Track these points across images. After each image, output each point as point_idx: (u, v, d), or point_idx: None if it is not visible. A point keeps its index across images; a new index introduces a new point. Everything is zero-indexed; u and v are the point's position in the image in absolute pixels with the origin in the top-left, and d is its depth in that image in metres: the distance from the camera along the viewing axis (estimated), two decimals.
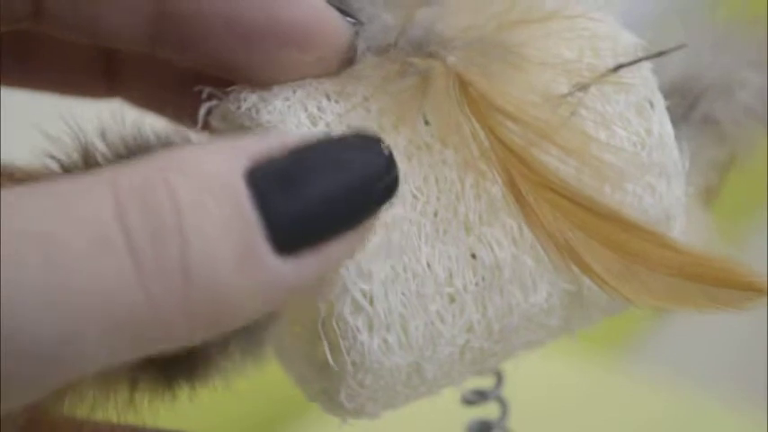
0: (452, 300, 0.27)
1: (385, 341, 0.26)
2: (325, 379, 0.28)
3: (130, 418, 0.26)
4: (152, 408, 0.26)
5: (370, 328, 0.26)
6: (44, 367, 0.21)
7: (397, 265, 0.26)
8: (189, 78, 0.28)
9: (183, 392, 0.26)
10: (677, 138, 0.30)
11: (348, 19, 0.27)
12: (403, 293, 0.26)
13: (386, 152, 0.24)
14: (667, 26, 0.33)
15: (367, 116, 0.27)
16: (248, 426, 0.62)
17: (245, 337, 0.26)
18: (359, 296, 0.26)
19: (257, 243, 0.23)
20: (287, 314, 0.28)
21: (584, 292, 0.28)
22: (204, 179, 0.23)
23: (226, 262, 0.22)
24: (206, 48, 0.27)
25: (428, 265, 0.26)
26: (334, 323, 0.26)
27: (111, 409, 0.26)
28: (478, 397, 0.33)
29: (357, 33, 0.27)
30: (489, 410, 0.34)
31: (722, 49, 0.33)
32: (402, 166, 0.26)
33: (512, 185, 0.26)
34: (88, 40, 0.28)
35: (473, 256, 0.27)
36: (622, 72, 0.28)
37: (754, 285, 0.27)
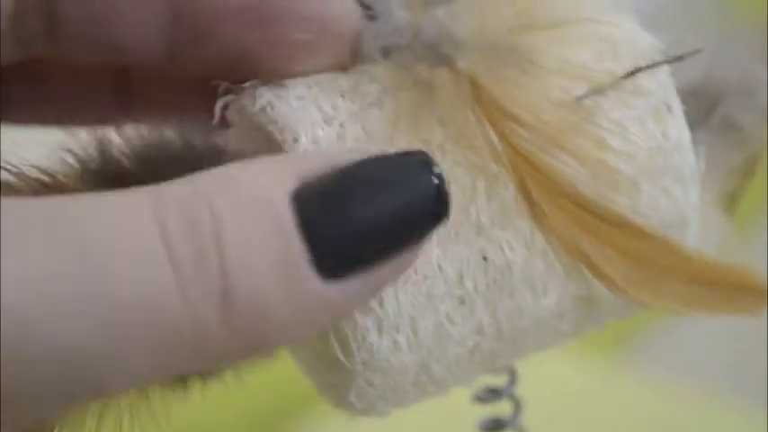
0: (462, 301, 0.27)
1: (394, 341, 0.26)
2: (336, 376, 0.28)
3: (143, 413, 0.26)
4: (164, 403, 0.26)
5: (380, 328, 0.26)
6: (82, 383, 0.21)
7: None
8: (202, 96, 0.28)
9: (195, 387, 0.26)
10: (694, 142, 0.30)
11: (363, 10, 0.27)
12: (413, 294, 0.26)
13: (437, 175, 0.24)
14: (683, 26, 0.33)
15: (381, 117, 0.27)
16: (255, 421, 0.62)
17: None
18: None
19: (301, 266, 0.22)
20: None
21: (595, 297, 0.28)
22: (249, 202, 0.22)
23: (267, 283, 0.22)
24: (221, 43, 0.27)
25: (439, 267, 0.26)
26: (343, 323, 0.26)
27: (124, 404, 0.26)
28: (491, 395, 0.33)
29: (370, 28, 0.27)
30: (501, 408, 0.34)
31: (739, 48, 0.33)
32: None
33: (524, 190, 0.26)
34: (104, 58, 0.28)
35: (484, 258, 0.27)
36: (640, 76, 0.28)
37: (762, 290, 0.27)
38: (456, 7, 0.27)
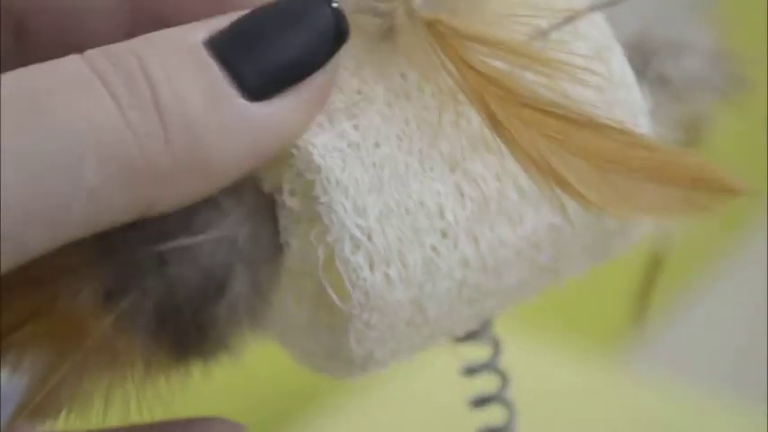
0: (445, 234, 0.28)
1: (386, 275, 0.27)
2: (331, 335, 0.29)
3: (149, 396, 0.27)
4: (169, 387, 0.27)
5: (371, 263, 0.27)
6: (54, 199, 0.24)
7: (389, 200, 0.27)
8: None
9: (197, 367, 0.27)
10: None
11: None
12: (399, 227, 0.27)
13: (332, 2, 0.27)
14: None
15: (347, 75, 0.28)
16: (255, 420, 0.62)
17: (248, 298, 0.27)
18: (357, 232, 0.27)
19: (223, 89, 0.26)
20: (289, 290, 0.29)
21: (567, 226, 0.29)
22: (167, 44, 0.26)
23: (195, 101, 0.25)
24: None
25: (419, 201, 0.28)
26: (336, 263, 0.27)
27: (131, 387, 0.27)
28: (479, 368, 0.34)
29: None
30: (497, 417, 0.34)
31: (678, 7, 0.35)
32: (385, 110, 0.28)
33: (487, 112, 0.27)
34: None
35: (460, 191, 0.28)
36: (578, 23, 0.30)
37: (729, 185, 0.28)
38: None
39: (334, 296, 0.28)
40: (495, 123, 0.27)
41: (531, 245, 0.29)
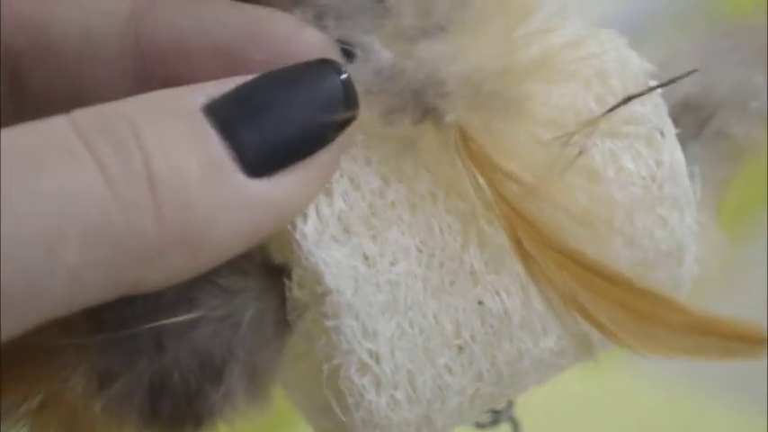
0: (461, 350, 0.26)
1: (393, 398, 0.26)
2: (332, 424, 0.27)
3: None
4: None
5: (378, 386, 0.25)
6: (31, 276, 0.22)
7: (403, 321, 0.25)
8: None
9: None
10: (689, 160, 0.29)
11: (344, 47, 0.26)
12: (410, 349, 0.26)
13: (342, 72, 0.25)
14: (673, 38, 0.32)
15: (367, 168, 0.26)
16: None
17: (248, 381, 0.26)
18: (365, 356, 0.25)
19: (224, 162, 0.23)
20: (290, 352, 0.27)
21: (595, 334, 0.27)
22: (163, 109, 0.23)
23: (192, 174, 0.23)
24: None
25: (435, 319, 0.26)
26: (340, 384, 0.25)
27: None
28: (491, 417, 0.33)
29: (348, 69, 0.26)
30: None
31: (731, 57, 0.32)
32: (405, 217, 0.26)
33: (515, 241, 0.25)
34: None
35: (480, 304, 0.26)
36: (631, 103, 0.27)
37: (761, 339, 0.26)
38: (442, 47, 0.25)
39: (336, 408, 0.26)
40: (522, 254, 0.25)
41: (554, 354, 0.28)
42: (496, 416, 0.33)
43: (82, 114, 0.23)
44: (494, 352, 0.26)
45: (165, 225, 0.23)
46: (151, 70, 0.26)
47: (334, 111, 0.24)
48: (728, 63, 0.31)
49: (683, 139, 0.30)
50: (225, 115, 0.24)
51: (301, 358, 0.28)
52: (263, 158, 0.24)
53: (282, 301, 0.26)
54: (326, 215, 0.25)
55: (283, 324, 0.26)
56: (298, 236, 0.25)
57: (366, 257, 0.25)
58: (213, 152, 0.23)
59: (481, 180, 0.25)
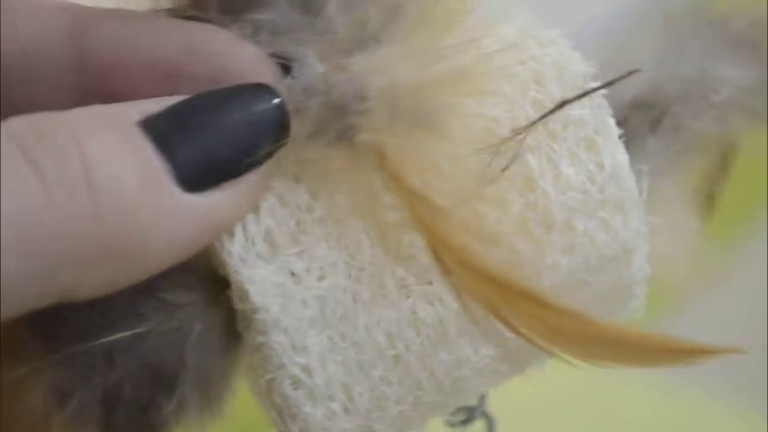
0: (396, 361, 0.26)
1: (329, 409, 0.26)
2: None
3: None
4: None
5: (313, 399, 0.26)
6: None
7: (333, 335, 0.26)
8: None
9: None
10: (640, 159, 0.29)
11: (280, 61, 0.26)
12: (343, 362, 0.26)
13: (275, 96, 0.25)
14: (628, 36, 0.32)
15: (296, 185, 0.26)
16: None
17: (201, 392, 0.26)
18: (296, 370, 0.25)
19: (159, 171, 0.24)
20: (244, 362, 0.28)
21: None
22: (100, 117, 0.24)
23: (131, 183, 0.23)
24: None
25: (367, 331, 0.26)
26: (275, 397, 0.26)
27: None
28: (464, 415, 0.33)
29: (281, 85, 0.26)
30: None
31: (687, 51, 0.31)
32: (334, 232, 0.26)
33: (435, 257, 0.25)
34: None
35: (414, 314, 0.26)
36: (570, 106, 0.27)
37: (701, 353, 0.27)
38: (373, 59, 0.25)
39: (276, 418, 0.26)
40: (444, 270, 0.25)
41: (496, 360, 0.27)
42: (470, 413, 0.33)
43: (18, 122, 0.23)
44: (431, 361, 0.26)
45: (104, 232, 0.23)
46: (92, 86, 0.27)
47: (266, 135, 0.25)
48: (684, 57, 0.31)
49: (637, 137, 0.30)
50: (160, 132, 0.24)
51: (250, 369, 0.28)
52: (196, 175, 0.24)
53: (232, 312, 0.27)
54: (253, 233, 0.25)
55: (234, 336, 0.27)
56: (224, 254, 0.25)
57: (293, 274, 0.25)
58: (151, 164, 0.24)
59: (398, 198, 0.25)
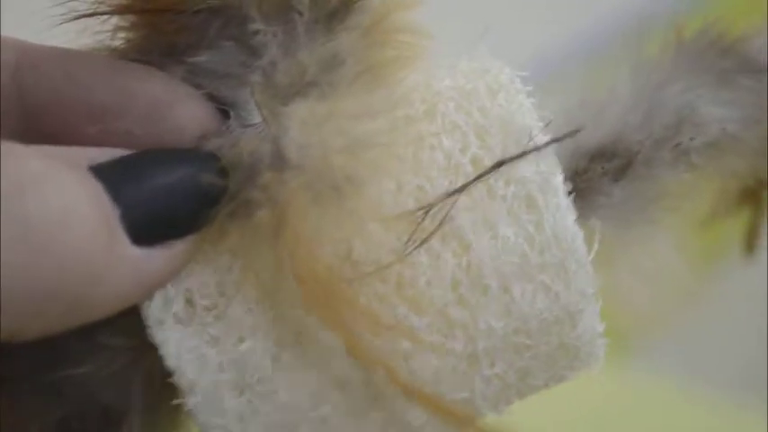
0: (324, 422, 0.26)
1: None
2: None
3: None
4: None
5: None
6: None
7: (253, 398, 0.25)
8: None
9: None
10: (604, 208, 0.28)
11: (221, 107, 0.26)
12: (265, 424, 0.25)
13: (216, 161, 0.25)
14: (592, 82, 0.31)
15: (218, 244, 0.26)
16: None
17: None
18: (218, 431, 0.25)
19: (113, 219, 0.24)
20: None
21: None
22: (57, 156, 0.24)
23: (85, 229, 0.23)
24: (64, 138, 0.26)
25: (288, 394, 0.25)
26: None
27: None
28: None
29: (216, 140, 0.25)
30: None
31: (662, 93, 0.30)
32: (253, 294, 0.25)
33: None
34: None
35: (337, 376, 0.26)
36: (513, 163, 0.26)
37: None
38: (306, 111, 0.25)
39: None
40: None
41: (426, 422, 0.26)
42: None
43: None
44: (357, 422, 0.26)
45: (47, 279, 0.23)
46: (33, 127, 0.26)
47: (207, 201, 0.25)
48: (660, 102, 0.30)
49: (597, 187, 0.29)
50: (111, 180, 0.24)
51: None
52: (144, 228, 0.24)
53: None
54: (172, 294, 0.25)
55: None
56: (142, 315, 0.25)
57: (211, 337, 0.25)
58: (106, 211, 0.24)
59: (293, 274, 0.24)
